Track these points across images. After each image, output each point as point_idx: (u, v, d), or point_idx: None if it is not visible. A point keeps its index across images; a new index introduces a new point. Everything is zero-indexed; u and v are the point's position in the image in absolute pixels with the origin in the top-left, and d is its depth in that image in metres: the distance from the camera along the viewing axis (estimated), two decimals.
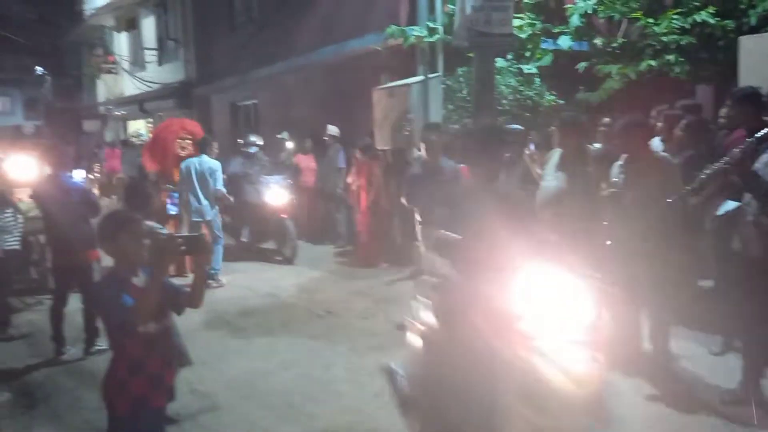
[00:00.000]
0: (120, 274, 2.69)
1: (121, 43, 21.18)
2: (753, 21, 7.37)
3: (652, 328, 4.61)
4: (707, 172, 3.67)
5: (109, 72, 21.69)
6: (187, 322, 5.00)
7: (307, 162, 10.24)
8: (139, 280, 2.68)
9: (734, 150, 3.63)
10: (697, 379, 4.54)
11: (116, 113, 21.98)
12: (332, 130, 9.89)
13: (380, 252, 8.57)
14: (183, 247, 2.52)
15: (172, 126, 8.87)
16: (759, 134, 3.63)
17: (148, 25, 19.05)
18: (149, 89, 18.28)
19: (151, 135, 8.94)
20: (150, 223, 3.85)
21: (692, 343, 5.06)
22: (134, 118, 20.88)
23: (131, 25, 20.36)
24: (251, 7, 14.13)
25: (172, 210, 8.00)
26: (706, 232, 5.14)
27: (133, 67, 20.23)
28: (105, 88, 22.65)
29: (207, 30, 15.97)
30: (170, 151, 8.42)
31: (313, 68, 11.01)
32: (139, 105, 18.78)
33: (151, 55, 18.88)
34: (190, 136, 8.46)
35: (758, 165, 3.67)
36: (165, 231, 3.83)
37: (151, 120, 20.00)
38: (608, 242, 4.55)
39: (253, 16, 14.08)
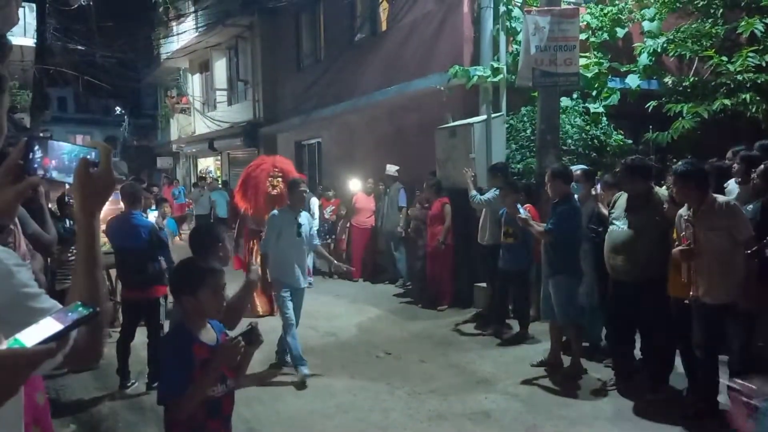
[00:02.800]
0: (189, 326, 2.58)
1: (194, 84, 22.05)
2: None
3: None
4: None
5: (182, 112, 22.59)
6: None
7: (366, 202, 10.28)
8: (206, 333, 2.60)
9: None
10: None
11: (187, 151, 22.77)
12: (390, 169, 9.93)
13: (445, 293, 8.45)
14: (242, 345, 2.50)
15: (263, 164, 8.47)
16: None
17: (220, 67, 19.80)
18: (219, 128, 18.90)
19: (243, 174, 8.67)
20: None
21: None
22: (204, 156, 21.58)
23: (204, 67, 21.21)
24: (317, 48, 14.51)
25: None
26: None
27: (205, 107, 20.99)
28: (178, 127, 23.58)
29: (274, 71, 16.46)
30: (261, 189, 8.15)
31: (376, 108, 11.15)
32: (209, 143, 19.41)
33: (221, 96, 19.57)
34: (281, 174, 8.17)
35: None
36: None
37: (219, 158, 20.63)
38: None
39: (318, 57, 14.45)
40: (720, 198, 4.45)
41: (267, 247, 5.92)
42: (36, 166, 1.40)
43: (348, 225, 10.72)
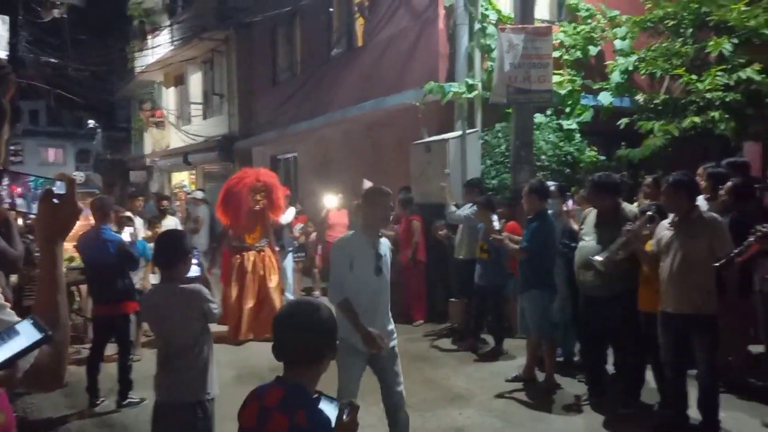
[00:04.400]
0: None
1: (169, 98, 21.90)
2: None
3: (702, 395, 4.38)
4: (756, 233, 3.52)
5: (157, 126, 22.40)
6: (218, 377, 4.95)
7: (339, 217, 10.25)
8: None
9: None
10: None
11: (161, 165, 22.57)
12: (366, 185, 9.92)
13: (419, 308, 8.44)
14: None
15: (246, 177, 8.13)
16: None
17: (195, 81, 19.70)
18: (193, 142, 18.77)
19: (224, 187, 8.34)
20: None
21: (743, 413, 4.79)
22: (178, 170, 21.40)
23: (179, 81, 21.08)
24: (293, 63, 14.52)
25: (195, 272, 7.37)
26: (755, 295, 4.94)
27: (180, 121, 20.84)
28: (152, 140, 23.36)
29: (250, 85, 16.43)
30: (244, 204, 7.84)
31: (352, 122, 11.17)
32: (184, 157, 19.26)
33: (196, 110, 19.46)
34: (264, 188, 7.97)
35: None
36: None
37: (194, 172, 20.47)
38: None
39: (294, 71, 14.46)
40: (706, 213, 4.53)
41: (341, 291, 3.81)
42: (3, 194, 1.40)
43: (319, 242, 10.64)
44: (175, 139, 20.67)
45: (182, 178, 21.10)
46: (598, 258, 4.70)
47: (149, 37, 20.63)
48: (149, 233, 7.61)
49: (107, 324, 5.68)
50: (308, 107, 12.73)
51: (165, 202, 9.66)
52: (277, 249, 8.46)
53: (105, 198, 6.25)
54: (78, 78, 16.80)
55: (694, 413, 4.50)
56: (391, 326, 4.11)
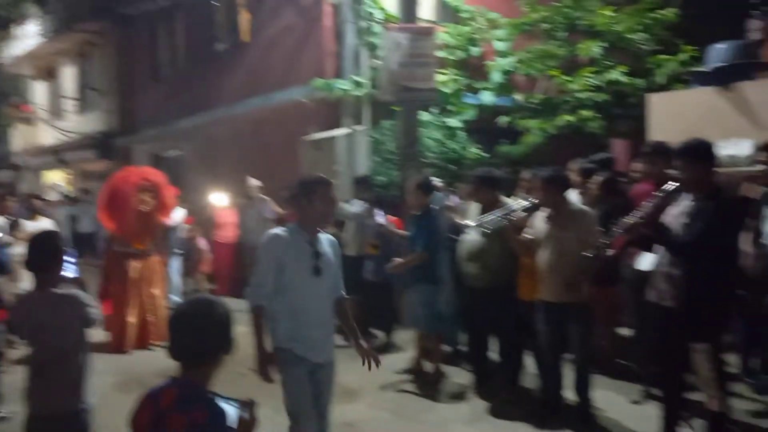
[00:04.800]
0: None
1: (40, 92, 20.52)
2: (661, 80, 7.84)
3: (577, 377, 4.65)
4: (621, 225, 3.77)
5: (26, 121, 20.92)
6: (97, 385, 4.70)
7: (227, 216, 10.01)
8: None
9: (644, 204, 3.76)
10: (617, 427, 4.58)
11: (32, 164, 21.11)
12: (253, 182, 9.76)
13: None
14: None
15: (130, 176, 7.65)
16: (667, 188, 3.78)
17: (68, 75, 18.57)
18: (68, 139, 17.69)
19: (105, 187, 7.74)
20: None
21: (613, 392, 5.13)
22: (52, 169, 20.10)
23: (50, 74, 19.79)
24: (176, 57, 14.00)
25: (70, 272, 6.81)
26: (624, 283, 5.30)
27: (51, 117, 19.57)
28: (21, 137, 21.79)
29: (130, 80, 15.69)
30: (130, 206, 7.34)
31: (239, 120, 10.93)
32: (57, 155, 18.11)
33: (70, 105, 18.34)
34: (152, 188, 7.49)
35: (667, 218, 3.82)
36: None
37: (70, 171, 19.30)
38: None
39: (177, 66, 13.95)
40: (576, 205, 4.79)
41: (260, 296, 3.45)
42: None
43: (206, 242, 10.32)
44: (48, 136, 19.38)
45: (56, 178, 19.82)
46: (470, 222, 5.03)
47: (16, 27, 19.23)
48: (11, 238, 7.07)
49: None
50: (193, 104, 12.32)
51: (38, 202, 8.99)
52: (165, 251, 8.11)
53: None
54: None
55: (569, 394, 4.77)
56: (332, 337, 3.64)
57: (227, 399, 2.08)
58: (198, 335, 2.04)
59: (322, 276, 3.46)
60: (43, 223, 7.91)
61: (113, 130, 16.08)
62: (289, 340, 3.42)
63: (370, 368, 3.57)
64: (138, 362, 6.71)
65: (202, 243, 10.11)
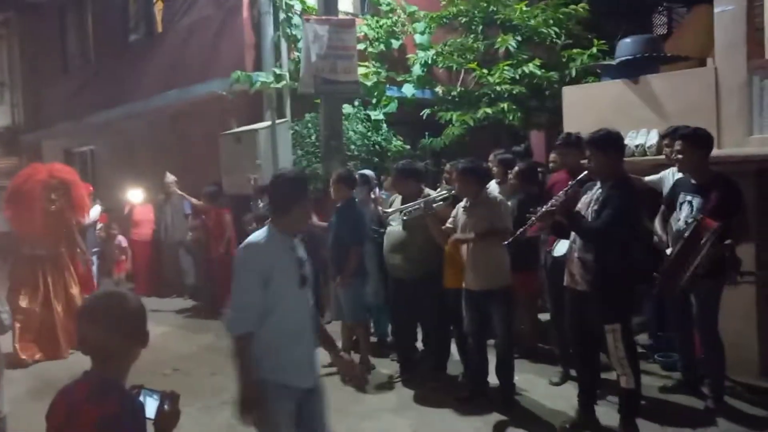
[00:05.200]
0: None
1: None
2: (573, 73, 8.14)
3: (499, 362, 4.80)
4: (537, 213, 3.91)
5: None
6: (10, 392, 4.48)
7: (145, 213, 9.71)
8: None
9: (560, 193, 3.90)
10: (539, 408, 4.75)
11: None
12: (170, 178, 9.51)
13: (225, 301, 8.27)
14: None
15: (36, 173, 7.08)
16: (579, 177, 3.94)
17: None
18: None
19: (10, 185, 7.14)
20: None
21: (534, 375, 5.32)
22: None
23: None
24: (86, 49, 13.40)
25: None
26: (542, 269, 5.49)
27: None
28: None
29: (37, 73, 14.91)
30: (36, 205, 6.82)
31: (155, 113, 10.58)
32: None
33: None
34: (61, 186, 7.00)
35: (580, 206, 3.98)
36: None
37: None
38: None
39: (88, 58, 13.36)
40: (491, 194, 4.92)
41: (247, 320, 2.87)
42: None
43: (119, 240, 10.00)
44: None
45: None
46: (389, 211, 5.21)
47: None
48: None
49: None
50: (106, 97, 11.83)
51: None
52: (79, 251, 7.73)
53: None
54: None
55: (492, 379, 4.91)
56: (317, 356, 3.17)
57: (148, 391, 2.06)
58: (107, 328, 1.99)
59: (306, 287, 3.03)
60: None
61: (20, 126, 15.28)
62: (273, 367, 2.88)
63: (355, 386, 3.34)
64: (53, 367, 6.44)
65: (122, 240, 9.76)
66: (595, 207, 3.88)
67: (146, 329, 2.08)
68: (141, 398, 2.03)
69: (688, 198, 4.27)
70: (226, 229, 8.20)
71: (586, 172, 3.95)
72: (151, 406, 2.02)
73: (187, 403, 5.18)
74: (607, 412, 4.30)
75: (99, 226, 9.44)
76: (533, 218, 3.92)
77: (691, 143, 4.20)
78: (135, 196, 9.73)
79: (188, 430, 4.69)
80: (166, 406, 2.02)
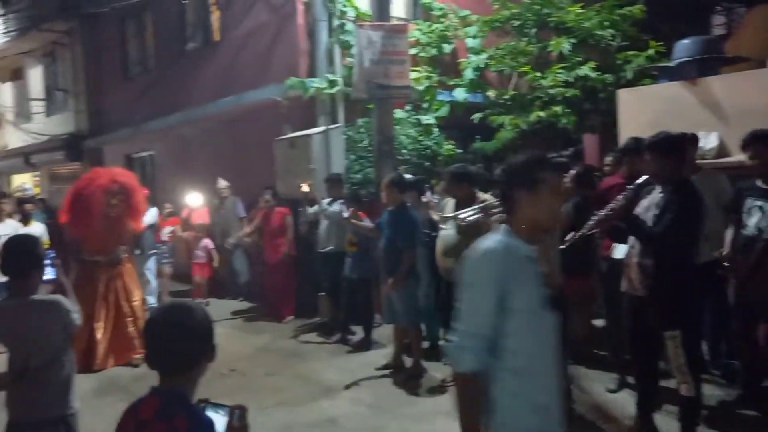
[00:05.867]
0: None
1: (5, 93, 20.12)
2: (629, 75, 8.01)
3: None
4: (595, 217, 3.87)
5: None
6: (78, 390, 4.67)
7: (201, 217, 9.95)
8: None
9: (618, 196, 3.86)
10: (594, 416, 4.69)
11: None
12: (222, 183, 9.74)
13: (288, 304, 8.41)
14: None
15: (98, 178, 7.00)
16: (639, 181, 3.89)
17: (35, 75, 18.21)
18: (36, 141, 17.38)
19: (71, 190, 7.12)
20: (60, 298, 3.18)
21: (588, 382, 5.26)
22: (19, 172, 19.73)
23: (16, 75, 19.41)
24: (146, 57, 13.85)
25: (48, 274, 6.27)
26: (597, 274, 5.42)
27: (19, 119, 19.21)
28: None
29: (99, 80, 15.47)
30: (96, 210, 6.77)
31: (212, 119, 10.86)
32: (25, 158, 17.78)
33: (38, 106, 18.01)
34: (121, 191, 6.95)
35: (639, 210, 3.93)
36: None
37: (38, 173, 18.97)
38: None
39: (148, 66, 13.80)
40: None
41: (477, 352, 2.24)
42: None
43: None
44: (15, 138, 19.00)
45: (24, 181, 19.48)
46: (446, 215, 5.21)
47: None
48: None
49: None
50: (165, 103, 12.20)
51: (29, 206, 8.33)
52: (137, 253, 7.95)
53: None
54: None
55: None
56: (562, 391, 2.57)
57: (215, 406, 1.99)
58: (175, 344, 1.92)
59: (552, 308, 2.37)
60: (35, 228, 7.59)
61: (83, 131, 15.83)
62: (510, 410, 2.23)
63: None
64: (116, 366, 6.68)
65: (208, 243, 9.54)
66: (656, 211, 3.82)
67: (214, 343, 2.02)
68: (208, 413, 1.97)
69: (758, 203, 4.15)
70: (288, 229, 8.32)
71: (646, 176, 3.89)
72: (219, 421, 1.95)
73: (244, 403, 5.35)
74: (666, 422, 4.22)
75: (169, 229, 9.56)
76: (590, 222, 3.88)
77: (763, 146, 4.10)
78: (193, 199, 9.96)
79: None
80: (235, 422, 1.95)
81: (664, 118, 5.40)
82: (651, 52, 8.01)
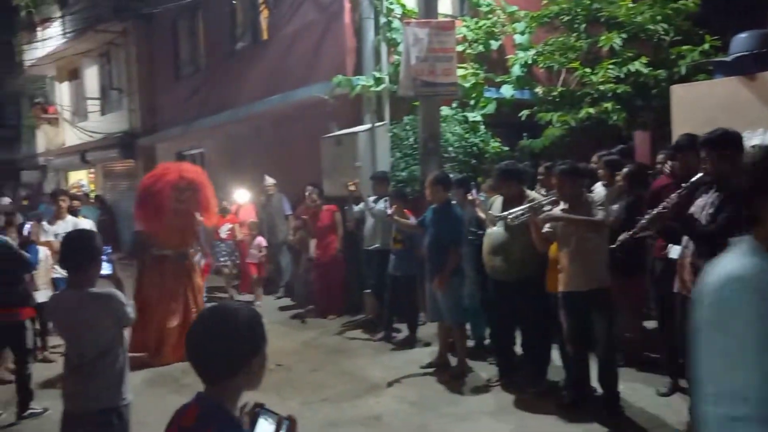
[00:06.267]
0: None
1: (63, 93, 20.80)
2: (683, 71, 7.78)
3: (601, 369, 4.66)
4: (647, 216, 3.77)
5: (50, 123, 21.23)
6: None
7: (248, 213, 10.06)
8: None
9: (672, 195, 3.75)
10: (645, 419, 4.58)
11: (57, 164, 21.42)
12: (269, 181, 9.84)
13: (334, 302, 8.44)
14: None
15: (167, 174, 7.06)
16: (694, 179, 3.77)
17: (91, 75, 18.79)
18: (91, 139, 17.93)
19: (140, 185, 7.31)
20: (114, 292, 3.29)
21: (640, 384, 5.13)
22: (75, 169, 20.39)
23: (73, 75, 20.05)
24: (197, 56, 14.14)
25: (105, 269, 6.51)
26: (648, 275, 5.29)
27: (75, 117, 19.84)
28: (45, 138, 22.11)
29: (152, 79, 15.87)
30: (165, 205, 6.79)
31: (260, 117, 11.01)
32: (81, 155, 18.36)
33: (93, 105, 18.57)
34: (189, 186, 6.97)
35: (694, 209, 3.81)
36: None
37: (93, 170, 19.57)
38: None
39: (198, 65, 14.09)
40: (590, 195, 4.82)
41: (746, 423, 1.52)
42: None
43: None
44: (71, 136, 19.65)
45: (80, 177, 20.13)
46: (494, 214, 5.12)
47: (39, 28, 19.48)
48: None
49: (3, 332, 5.37)
50: (214, 102, 12.45)
51: (76, 203, 8.60)
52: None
53: None
54: None
55: (596, 386, 4.78)
56: None
57: (267, 412, 1.87)
58: (213, 350, 1.81)
59: None
60: (83, 223, 7.70)
61: (136, 130, 16.26)
62: None
63: None
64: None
65: (261, 241, 9.54)
66: (711, 210, 3.70)
67: (257, 344, 1.85)
68: (259, 418, 1.86)
69: None
70: (338, 227, 8.33)
71: (701, 174, 3.77)
72: (266, 429, 1.84)
73: (289, 397, 5.41)
74: None
75: (228, 227, 9.55)
76: (643, 221, 3.79)
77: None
78: (241, 196, 10.09)
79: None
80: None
81: (720, 114, 5.21)
82: (706, 46, 7.76)
